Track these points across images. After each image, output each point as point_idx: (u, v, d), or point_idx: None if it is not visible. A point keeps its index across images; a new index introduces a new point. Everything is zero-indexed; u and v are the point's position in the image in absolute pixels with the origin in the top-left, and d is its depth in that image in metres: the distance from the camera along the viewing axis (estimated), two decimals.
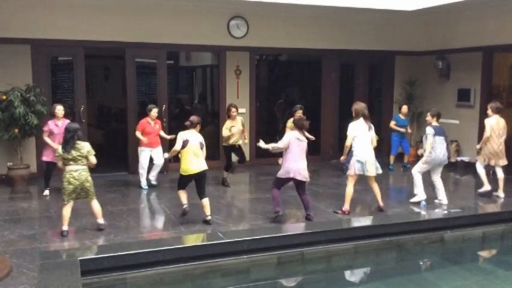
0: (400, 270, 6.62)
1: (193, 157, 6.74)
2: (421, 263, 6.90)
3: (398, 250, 6.95)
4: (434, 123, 7.91)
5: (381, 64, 12.66)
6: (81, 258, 5.34)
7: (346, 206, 7.44)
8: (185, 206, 6.92)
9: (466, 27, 11.05)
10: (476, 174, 8.71)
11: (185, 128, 7.01)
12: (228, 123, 9.19)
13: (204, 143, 6.95)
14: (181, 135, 6.82)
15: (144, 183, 9.10)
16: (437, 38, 11.82)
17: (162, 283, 5.75)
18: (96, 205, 6.64)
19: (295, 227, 6.87)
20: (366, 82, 12.53)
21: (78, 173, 6.38)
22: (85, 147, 6.48)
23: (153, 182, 9.23)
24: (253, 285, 6.05)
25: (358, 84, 12.42)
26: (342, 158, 7.83)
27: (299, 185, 7.02)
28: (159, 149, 9.05)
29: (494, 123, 8.33)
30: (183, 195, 6.97)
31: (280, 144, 6.95)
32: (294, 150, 6.83)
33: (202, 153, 6.88)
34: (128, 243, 6.10)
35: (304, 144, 6.95)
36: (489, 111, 8.45)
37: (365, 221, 7.27)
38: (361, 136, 7.34)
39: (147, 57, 10.90)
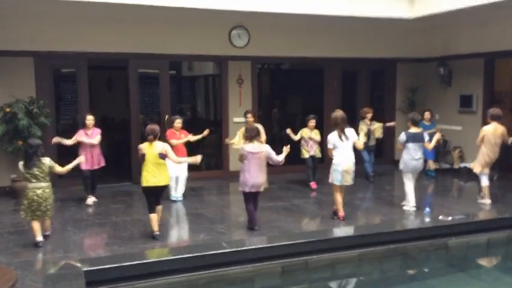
0: (404, 277, 6.60)
1: (152, 170, 6.65)
2: (425, 270, 6.88)
3: (402, 257, 6.93)
4: (412, 129, 7.94)
5: (383, 71, 12.68)
6: (85, 269, 5.34)
7: (340, 213, 7.51)
8: (156, 233, 6.75)
9: (468, 33, 11.08)
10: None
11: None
12: (243, 129, 9.22)
13: (165, 151, 6.73)
14: (139, 148, 6.81)
15: (173, 195, 8.91)
16: (439, 45, 11.84)
17: None
18: (48, 222, 6.60)
19: (299, 236, 6.86)
20: (367, 90, 12.56)
21: (42, 190, 6.31)
22: (46, 163, 6.37)
23: (179, 198, 8.96)
24: None
25: (360, 91, 12.44)
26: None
27: (255, 196, 7.04)
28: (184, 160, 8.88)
29: (490, 130, 8.17)
30: (155, 221, 6.78)
31: (240, 159, 7.03)
32: (247, 163, 6.86)
33: (165, 161, 6.77)
34: (132, 253, 6.10)
35: (261, 155, 6.87)
36: (488, 119, 8.35)
37: (369, 228, 7.26)
38: (338, 145, 7.34)
39: (149, 67, 10.96)
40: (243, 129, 9.22)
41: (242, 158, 6.93)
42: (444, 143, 11.60)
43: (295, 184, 10.27)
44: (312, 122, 9.88)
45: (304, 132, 9.89)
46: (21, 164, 6.36)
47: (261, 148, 6.96)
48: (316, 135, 9.88)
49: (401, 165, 8.03)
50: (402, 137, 7.91)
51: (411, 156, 7.84)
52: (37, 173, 6.29)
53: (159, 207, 6.96)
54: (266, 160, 6.99)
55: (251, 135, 6.97)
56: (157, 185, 6.70)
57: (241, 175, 6.94)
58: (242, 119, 9.92)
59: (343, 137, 7.32)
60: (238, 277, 6.02)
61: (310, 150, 9.88)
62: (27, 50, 9.44)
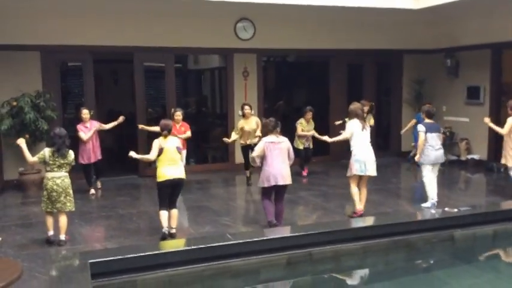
0: (410, 269, 6.58)
1: (169, 164, 6.51)
2: (431, 262, 6.85)
3: (408, 249, 6.90)
4: (427, 120, 7.91)
5: (389, 63, 12.60)
6: (91, 261, 5.37)
7: (358, 207, 7.39)
8: (164, 229, 6.60)
9: (474, 24, 10.97)
10: (488, 172, 8.59)
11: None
12: (239, 123, 9.30)
13: (181, 146, 6.77)
14: (156, 144, 6.53)
15: None
16: (446, 36, 11.74)
17: (172, 285, 5.77)
18: (64, 219, 6.35)
19: (303, 228, 6.86)
20: (374, 82, 12.49)
21: (61, 180, 6.23)
22: (71, 154, 6.36)
23: None
24: (263, 286, 6.06)
25: (366, 83, 12.38)
26: (328, 138, 7.76)
27: (279, 190, 6.76)
28: (183, 152, 8.90)
29: None
30: (164, 217, 6.57)
31: (255, 153, 6.75)
32: (269, 155, 6.63)
33: (180, 157, 6.70)
34: (138, 245, 6.14)
35: (282, 145, 6.69)
36: (509, 110, 8.26)
37: (374, 220, 7.23)
38: (359, 135, 7.28)
39: (155, 61, 10.98)
40: (238, 125, 9.33)
41: (254, 160, 6.79)
42: (451, 135, 11.55)
43: (300, 176, 10.25)
44: (309, 115, 10.11)
45: (303, 125, 10.11)
46: (47, 150, 6.25)
47: (281, 139, 6.78)
48: (311, 125, 10.20)
49: (421, 158, 7.83)
50: (421, 127, 7.81)
51: (431, 147, 7.74)
52: (62, 162, 6.24)
53: (175, 212, 6.67)
54: (287, 153, 6.75)
55: (268, 130, 6.78)
56: (174, 177, 6.50)
57: (262, 170, 6.71)
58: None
59: (365, 127, 7.32)
60: (243, 269, 6.04)
61: (306, 143, 10.19)
62: (33, 44, 9.48)
